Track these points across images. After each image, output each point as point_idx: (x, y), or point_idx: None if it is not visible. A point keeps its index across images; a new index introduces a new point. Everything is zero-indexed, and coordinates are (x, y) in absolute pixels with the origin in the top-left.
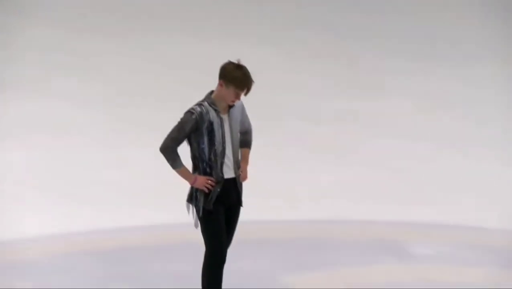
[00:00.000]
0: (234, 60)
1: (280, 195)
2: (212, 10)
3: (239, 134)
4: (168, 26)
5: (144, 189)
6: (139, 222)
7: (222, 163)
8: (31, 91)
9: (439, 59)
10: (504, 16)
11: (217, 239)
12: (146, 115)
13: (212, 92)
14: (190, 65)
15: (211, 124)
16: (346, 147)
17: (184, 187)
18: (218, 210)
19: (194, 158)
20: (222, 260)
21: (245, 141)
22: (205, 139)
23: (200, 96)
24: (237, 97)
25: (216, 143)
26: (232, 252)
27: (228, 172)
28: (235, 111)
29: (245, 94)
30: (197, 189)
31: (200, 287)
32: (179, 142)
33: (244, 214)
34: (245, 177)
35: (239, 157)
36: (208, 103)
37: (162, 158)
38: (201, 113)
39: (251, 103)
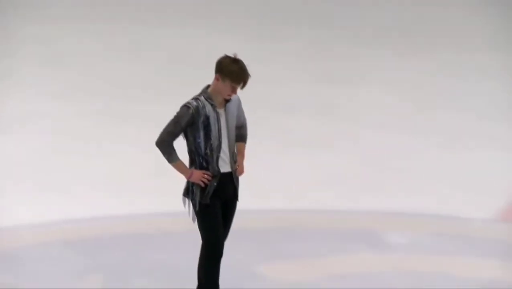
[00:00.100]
0: (231, 54)
1: (256, 186)
2: (198, 4)
3: (235, 129)
4: (163, 19)
5: (124, 179)
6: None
7: (218, 157)
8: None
9: (423, 47)
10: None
11: (214, 233)
12: (135, 108)
13: (208, 86)
14: (185, 60)
15: (207, 118)
16: (323, 138)
17: (168, 176)
18: (214, 204)
19: (190, 152)
20: (220, 254)
21: (240, 135)
22: (201, 133)
23: (196, 90)
24: (234, 91)
25: (212, 138)
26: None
27: (224, 166)
28: (231, 105)
29: (241, 88)
30: (193, 183)
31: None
32: (175, 136)
33: None
34: (241, 171)
35: (235, 151)
36: (204, 97)
37: (152, 150)
38: (197, 107)
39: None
